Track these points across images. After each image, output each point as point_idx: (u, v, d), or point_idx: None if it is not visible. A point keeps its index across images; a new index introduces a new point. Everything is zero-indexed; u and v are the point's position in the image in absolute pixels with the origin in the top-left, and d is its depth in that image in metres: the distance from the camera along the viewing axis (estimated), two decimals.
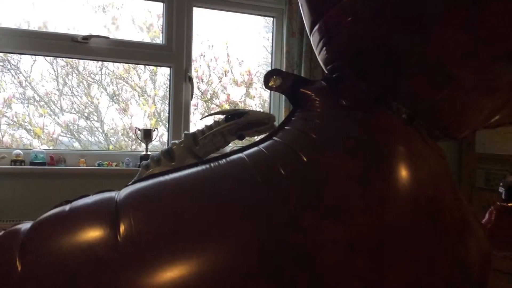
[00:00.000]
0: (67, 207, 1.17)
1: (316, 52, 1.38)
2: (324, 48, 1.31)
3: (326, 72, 1.35)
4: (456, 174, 3.84)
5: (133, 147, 3.62)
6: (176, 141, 2.10)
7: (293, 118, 1.29)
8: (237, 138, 2.05)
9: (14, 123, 3.29)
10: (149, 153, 3.25)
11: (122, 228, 1.05)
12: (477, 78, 1.17)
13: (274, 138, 1.24)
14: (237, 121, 1.97)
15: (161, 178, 1.22)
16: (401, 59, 1.18)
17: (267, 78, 1.33)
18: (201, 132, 2.04)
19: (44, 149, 3.19)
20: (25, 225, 1.15)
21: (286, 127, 1.27)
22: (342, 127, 1.22)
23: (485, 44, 1.13)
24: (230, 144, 2.10)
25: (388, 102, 1.22)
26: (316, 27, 1.31)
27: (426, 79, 1.19)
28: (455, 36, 1.12)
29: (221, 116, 2.07)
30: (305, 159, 1.14)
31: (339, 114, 1.24)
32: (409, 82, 1.21)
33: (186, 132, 2.10)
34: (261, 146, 1.23)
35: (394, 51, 1.19)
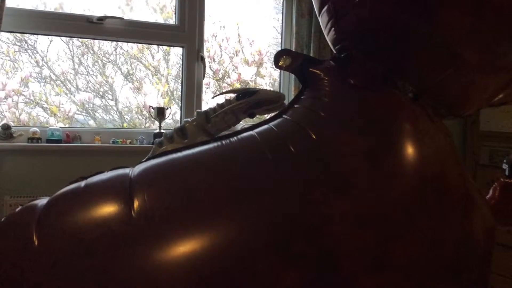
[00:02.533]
0: (82, 183, 1.20)
1: (325, 33, 1.39)
2: (333, 28, 1.33)
3: (335, 52, 1.37)
4: (461, 151, 3.83)
5: (147, 125, 3.63)
6: (189, 119, 2.11)
7: (302, 97, 1.30)
8: (248, 116, 2.06)
9: (31, 102, 3.32)
10: (162, 131, 3.25)
11: (136, 204, 1.07)
12: (481, 57, 1.19)
13: (284, 116, 1.27)
14: (248, 99, 1.98)
15: (174, 155, 1.25)
16: (407, 39, 1.20)
17: (277, 58, 1.35)
18: (213, 110, 2.05)
19: (60, 127, 3.21)
20: (42, 201, 1.18)
21: (295, 106, 1.28)
22: (350, 105, 1.24)
23: (489, 25, 1.14)
24: (241, 122, 2.12)
25: (395, 81, 1.25)
26: (325, 8, 1.33)
27: (431, 59, 1.21)
28: (460, 17, 1.14)
29: (233, 95, 2.08)
30: (314, 137, 1.16)
31: (347, 92, 1.26)
32: (415, 61, 1.23)
33: (198, 110, 2.11)
34: (271, 124, 1.25)
35: (400, 31, 1.20)
